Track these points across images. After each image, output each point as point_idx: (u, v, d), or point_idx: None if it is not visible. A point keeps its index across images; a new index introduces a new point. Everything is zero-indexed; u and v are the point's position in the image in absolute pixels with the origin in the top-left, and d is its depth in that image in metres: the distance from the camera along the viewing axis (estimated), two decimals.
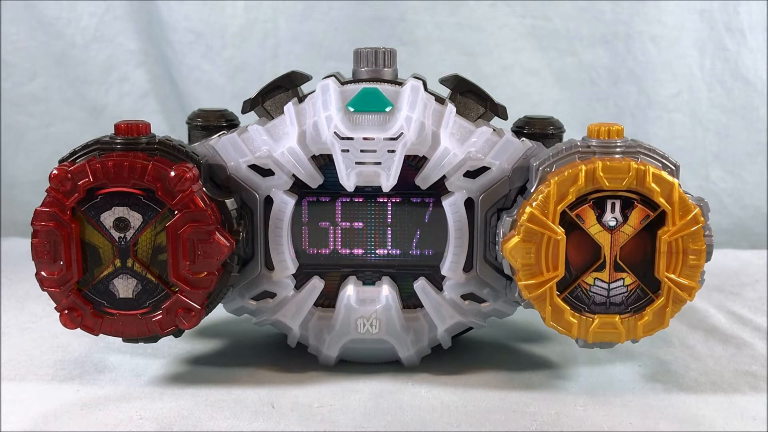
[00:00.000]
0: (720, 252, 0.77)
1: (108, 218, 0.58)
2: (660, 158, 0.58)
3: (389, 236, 0.63)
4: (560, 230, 0.56)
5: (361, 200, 0.63)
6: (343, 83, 0.61)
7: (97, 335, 0.59)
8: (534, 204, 0.56)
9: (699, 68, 1.11)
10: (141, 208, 0.57)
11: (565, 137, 0.66)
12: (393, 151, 0.60)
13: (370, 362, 0.65)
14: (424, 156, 0.61)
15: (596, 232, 0.57)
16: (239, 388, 0.61)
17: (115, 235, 0.58)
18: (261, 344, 0.70)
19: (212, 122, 0.66)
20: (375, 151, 0.60)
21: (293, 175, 0.61)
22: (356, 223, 0.63)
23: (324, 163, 0.61)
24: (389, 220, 0.63)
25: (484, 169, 0.61)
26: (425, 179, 0.61)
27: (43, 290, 0.58)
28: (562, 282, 0.57)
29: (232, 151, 0.62)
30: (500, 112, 0.64)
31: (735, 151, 1.12)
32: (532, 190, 0.58)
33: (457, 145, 0.61)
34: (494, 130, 0.62)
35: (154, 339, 0.59)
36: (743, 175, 1.13)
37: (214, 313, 0.63)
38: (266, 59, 1.11)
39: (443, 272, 0.62)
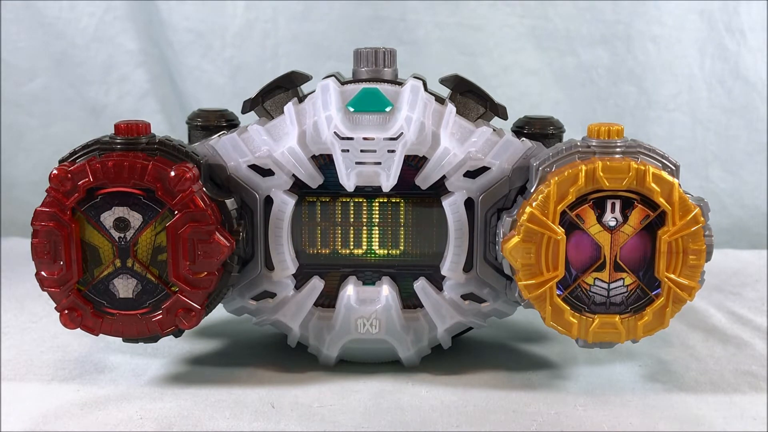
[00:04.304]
0: (720, 252, 0.77)
1: (108, 218, 0.58)
2: (660, 158, 0.58)
3: (389, 236, 0.63)
4: (560, 230, 0.56)
5: (361, 200, 0.63)
6: (343, 83, 0.61)
7: (97, 335, 0.59)
8: (534, 204, 0.56)
9: (699, 68, 1.11)
10: (141, 208, 0.57)
11: (565, 137, 0.66)
12: (393, 151, 0.60)
13: (370, 362, 0.65)
14: (424, 156, 0.61)
15: (596, 232, 0.57)
16: (239, 388, 0.61)
17: (115, 235, 0.58)
18: (261, 344, 0.70)
19: (212, 122, 0.66)
20: (375, 151, 0.60)
21: (293, 175, 0.61)
22: (356, 223, 0.63)
23: (324, 163, 0.61)
24: (389, 220, 0.63)
25: (484, 169, 0.61)
26: (425, 179, 0.61)
27: (43, 290, 0.58)
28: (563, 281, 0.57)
29: (232, 151, 0.61)
30: (500, 112, 0.64)
31: (735, 151, 1.12)
32: (532, 190, 0.58)
33: (457, 145, 0.61)
34: (494, 130, 0.62)
35: (154, 339, 0.59)
36: (743, 175, 1.13)
37: (214, 313, 0.63)
38: (266, 59, 1.11)
39: (443, 272, 0.62)
